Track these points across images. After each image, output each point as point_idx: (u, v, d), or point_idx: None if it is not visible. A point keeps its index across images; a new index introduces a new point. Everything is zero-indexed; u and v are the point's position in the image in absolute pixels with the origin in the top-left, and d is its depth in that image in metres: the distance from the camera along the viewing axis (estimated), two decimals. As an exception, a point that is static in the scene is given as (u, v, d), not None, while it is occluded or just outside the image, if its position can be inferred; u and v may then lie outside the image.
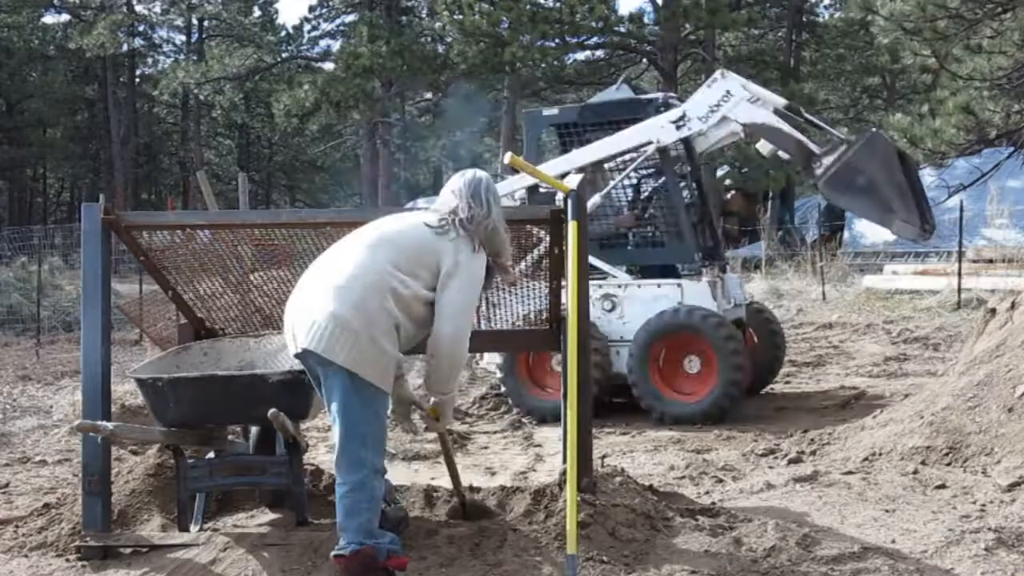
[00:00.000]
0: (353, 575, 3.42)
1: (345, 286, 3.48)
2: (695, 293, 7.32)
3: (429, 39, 31.54)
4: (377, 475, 3.54)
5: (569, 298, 3.91)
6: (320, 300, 3.50)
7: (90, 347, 4.09)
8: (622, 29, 25.02)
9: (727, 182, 27.12)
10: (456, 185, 3.76)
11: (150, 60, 44.39)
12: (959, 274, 14.03)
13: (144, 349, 10.95)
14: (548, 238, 4.24)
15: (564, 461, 3.81)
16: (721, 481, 5.18)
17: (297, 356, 3.61)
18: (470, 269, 3.62)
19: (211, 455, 4.33)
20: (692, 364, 7.27)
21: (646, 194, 8.16)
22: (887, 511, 4.27)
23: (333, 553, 3.46)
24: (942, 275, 15.42)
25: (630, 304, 7.46)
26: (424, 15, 34.07)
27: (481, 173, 3.82)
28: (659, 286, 7.46)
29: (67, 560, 3.97)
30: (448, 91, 27.87)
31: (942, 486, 4.57)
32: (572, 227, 3.93)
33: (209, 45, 40.17)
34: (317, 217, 4.37)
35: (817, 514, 4.30)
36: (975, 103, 8.27)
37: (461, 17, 23.94)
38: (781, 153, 7.64)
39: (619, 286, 7.54)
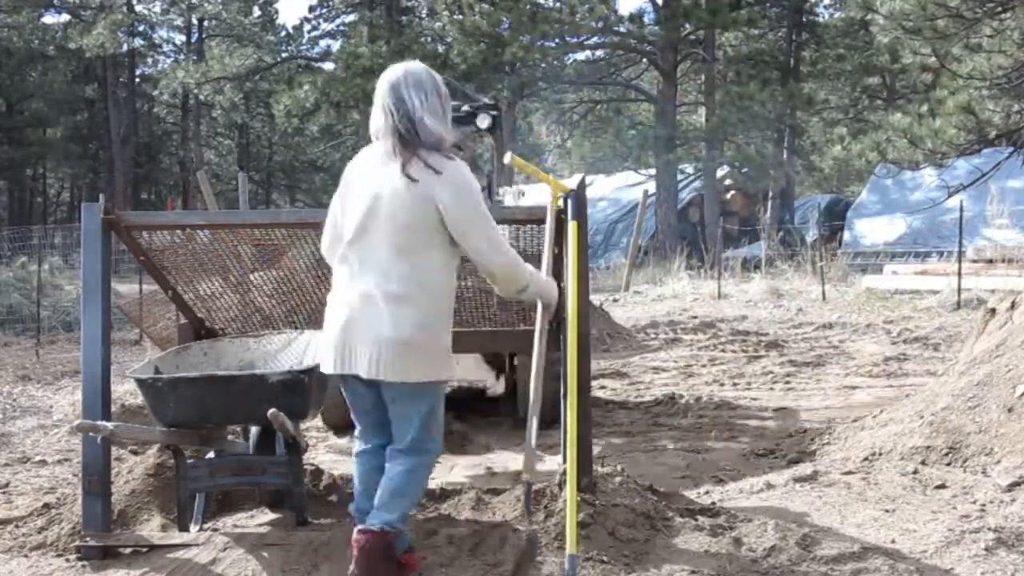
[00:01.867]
0: (369, 555, 3.29)
1: (401, 295, 3.31)
2: None
3: (429, 39, 31.58)
4: (435, 461, 3.58)
5: (569, 298, 3.91)
6: (374, 321, 3.31)
7: (90, 347, 4.09)
8: (622, 29, 25.09)
9: (727, 182, 27.14)
10: (379, 98, 3.35)
11: (150, 60, 44.41)
12: (959, 274, 14.03)
13: (144, 349, 10.95)
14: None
15: (564, 461, 3.81)
16: (721, 481, 5.17)
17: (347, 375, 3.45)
18: (468, 189, 3.34)
19: (211, 455, 4.34)
20: None
21: None
22: (887, 511, 4.27)
23: (360, 527, 3.34)
24: (942, 275, 15.43)
25: None
26: (424, 15, 34.11)
27: (400, 68, 3.38)
28: None
29: (67, 560, 3.97)
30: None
31: (942, 486, 4.57)
32: (572, 227, 3.93)
33: (209, 45, 40.18)
34: (317, 217, 4.36)
35: (817, 514, 4.29)
36: (975, 103, 8.28)
37: (461, 17, 24.01)
38: None
39: None
